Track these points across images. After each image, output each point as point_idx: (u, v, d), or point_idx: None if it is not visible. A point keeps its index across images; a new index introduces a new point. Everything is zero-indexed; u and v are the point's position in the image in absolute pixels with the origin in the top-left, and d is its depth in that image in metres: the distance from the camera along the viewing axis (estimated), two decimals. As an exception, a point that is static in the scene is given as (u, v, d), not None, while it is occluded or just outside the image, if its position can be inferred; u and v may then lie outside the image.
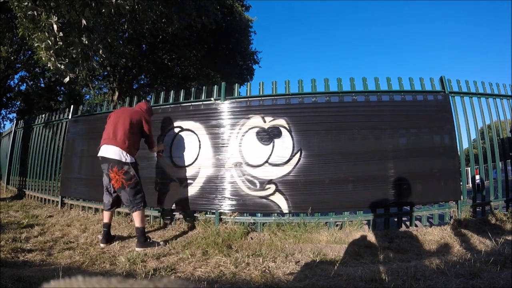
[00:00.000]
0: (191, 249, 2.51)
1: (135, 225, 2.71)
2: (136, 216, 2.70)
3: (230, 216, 3.21)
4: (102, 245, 2.72)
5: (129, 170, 2.69)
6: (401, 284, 1.66)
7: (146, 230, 2.86)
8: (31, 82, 17.72)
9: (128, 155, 2.72)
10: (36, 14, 4.02)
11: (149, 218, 3.57)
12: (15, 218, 3.80)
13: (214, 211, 3.27)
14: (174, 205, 3.44)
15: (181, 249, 2.53)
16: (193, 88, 3.87)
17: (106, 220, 2.82)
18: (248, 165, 3.25)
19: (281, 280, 1.85)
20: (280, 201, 3.13)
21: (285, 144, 3.22)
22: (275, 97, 3.41)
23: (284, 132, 3.24)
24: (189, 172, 3.40)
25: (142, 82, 16.87)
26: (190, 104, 3.63)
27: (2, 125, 20.15)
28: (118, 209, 3.68)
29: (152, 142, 3.08)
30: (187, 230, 3.20)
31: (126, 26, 8.84)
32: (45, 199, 4.99)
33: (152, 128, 3.05)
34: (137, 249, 2.57)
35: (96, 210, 4.06)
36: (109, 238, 2.81)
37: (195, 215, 3.38)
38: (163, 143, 3.44)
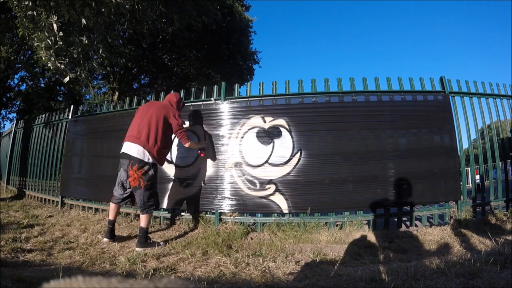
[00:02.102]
0: (191, 249, 2.51)
1: (140, 224, 2.70)
2: (144, 217, 2.70)
3: (230, 216, 3.21)
4: (105, 239, 2.72)
5: (148, 171, 2.67)
6: (401, 284, 1.66)
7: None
8: (31, 82, 17.75)
9: (151, 155, 2.68)
10: (36, 14, 4.02)
11: (149, 218, 3.57)
12: (15, 218, 3.80)
13: (214, 211, 3.27)
14: (174, 205, 3.44)
15: (181, 249, 2.53)
16: (193, 88, 3.87)
17: (111, 217, 2.82)
18: (248, 165, 3.25)
19: (281, 280, 1.84)
20: (280, 201, 3.13)
21: (285, 144, 3.22)
22: (275, 97, 3.41)
23: (284, 132, 3.25)
24: (189, 172, 3.40)
25: (142, 82, 16.91)
26: (190, 104, 3.63)
27: (2, 125, 20.22)
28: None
29: (183, 136, 2.88)
30: (187, 230, 3.20)
31: (126, 26, 8.84)
32: (45, 199, 4.99)
33: (182, 121, 2.88)
34: (137, 249, 2.57)
35: (96, 210, 4.06)
36: (112, 235, 2.82)
37: (195, 215, 3.38)
38: (205, 141, 3.30)
